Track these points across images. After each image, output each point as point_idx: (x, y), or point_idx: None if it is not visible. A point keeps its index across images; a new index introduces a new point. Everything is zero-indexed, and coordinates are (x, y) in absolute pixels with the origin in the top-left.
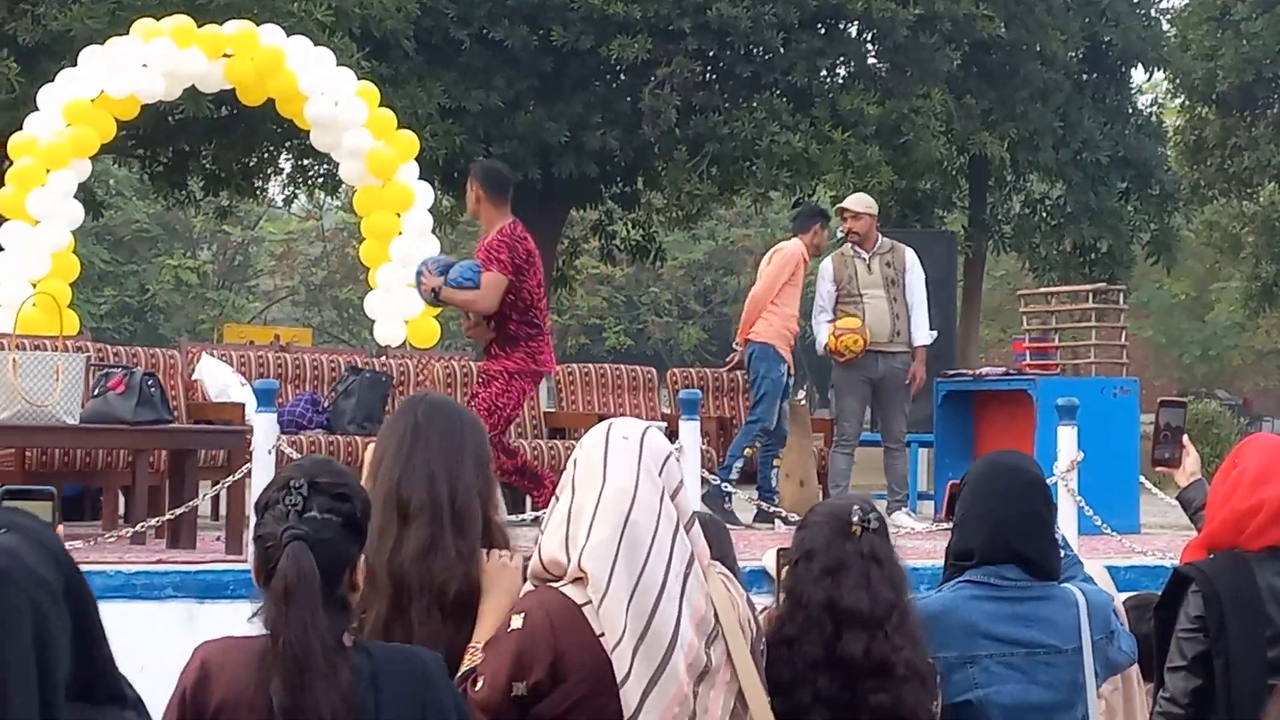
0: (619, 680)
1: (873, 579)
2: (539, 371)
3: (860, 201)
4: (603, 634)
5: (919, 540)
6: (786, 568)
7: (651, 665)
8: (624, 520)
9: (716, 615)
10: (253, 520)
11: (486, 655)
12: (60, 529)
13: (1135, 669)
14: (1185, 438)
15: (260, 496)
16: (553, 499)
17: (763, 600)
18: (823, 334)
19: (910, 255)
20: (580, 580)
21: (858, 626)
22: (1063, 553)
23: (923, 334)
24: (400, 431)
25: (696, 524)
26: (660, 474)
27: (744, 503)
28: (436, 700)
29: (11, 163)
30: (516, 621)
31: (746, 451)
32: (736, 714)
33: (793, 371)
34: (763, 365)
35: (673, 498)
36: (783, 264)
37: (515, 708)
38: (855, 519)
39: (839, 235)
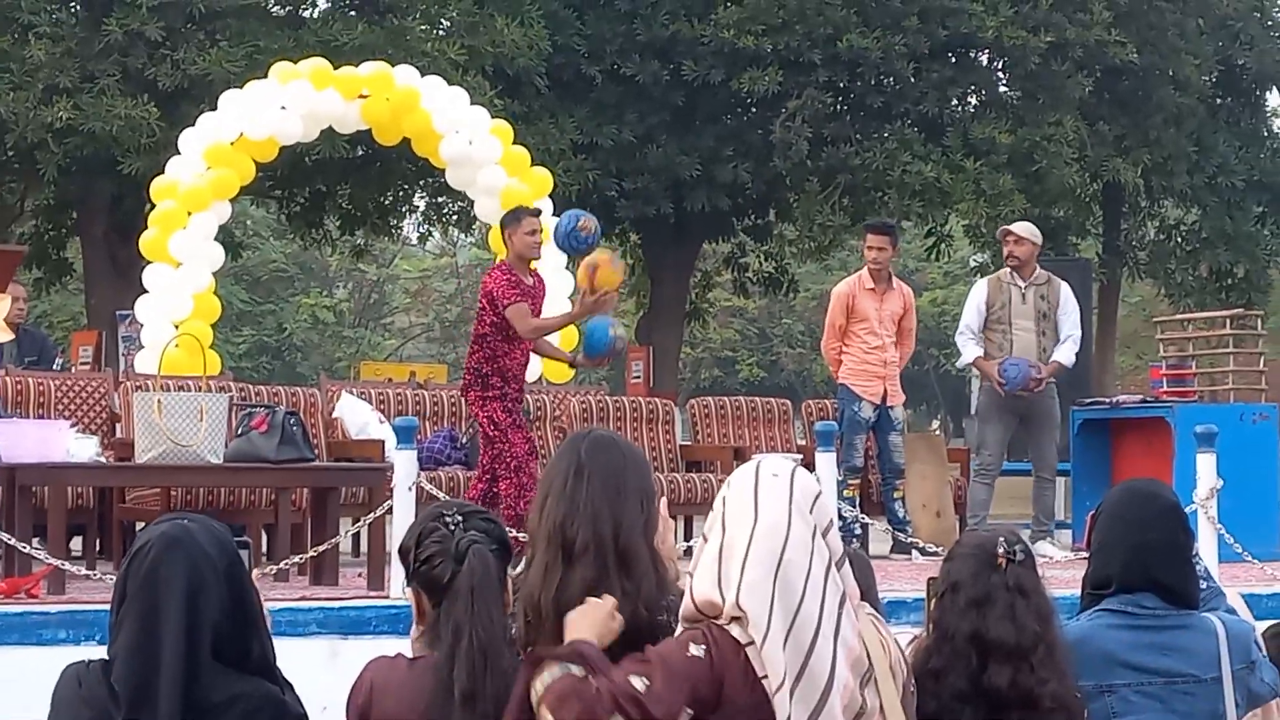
0: None
1: (1018, 611)
2: None
3: (1025, 227)
4: (764, 676)
5: (1057, 570)
6: (934, 599)
7: (809, 708)
8: (778, 559)
9: (869, 656)
10: (395, 559)
11: (656, 667)
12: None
13: (1277, 700)
14: None
15: (408, 535)
16: (700, 539)
17: (907, 630)
18: (970, 355)
19: (1066, 290)
20: (738, 620)
21: (1003, 658)
22: (1204, 584)
23: (1065, 355)
24: (564, 470)
25: (847, 563)
26: (811, 512)
27: (880, 534)
28: None
29: (154, 206)
30: (696, 650)
31: (846, 493)
32: None
33: (889, 403)
34: (841, 405)
35: (824, 536)
36: (833, 311)
37: None
38: (1000, 551)
39: (969, 261)
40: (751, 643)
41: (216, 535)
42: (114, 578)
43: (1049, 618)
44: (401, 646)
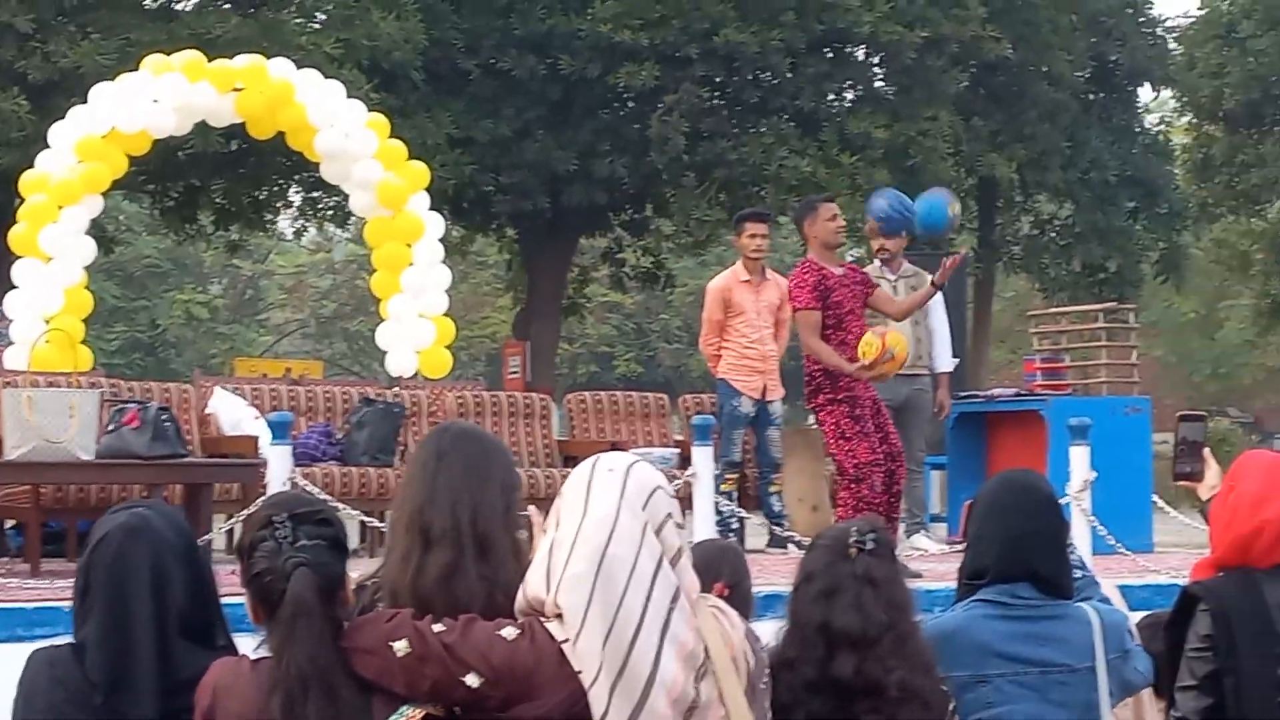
0: (596, 719)
1: (865, 600)
2: None
3: None
4: (580, 671)
5: (933, 563)
6: (791, 590)
7: (630, 702)
8: (601, 553)
9: (707, 650)
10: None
11: (463, 633)
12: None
13: (1148, 687)
14: (1206, 451)
15: (241, 539)
16: (540, 533)
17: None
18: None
19: None
20: (559, 616)
21: (849, 647)
22: (1079, 573)
23: (946, 360)
24: (425, 458)
25: (685, 558)
26: (644, 507)
27: (756, 528)
28: None
29: (24, 200)
30: (507, 633)
31: (724, 487)
32: None
33: (768, 397)
34: (720, 400)
35: (657, 532)
36: (710, 306)
37: (458, 691)
38: (852, 540)
39: (845, 256)
40: (567, 640)
41: (173, 521)
42: None
43: (902, 607)
44: None
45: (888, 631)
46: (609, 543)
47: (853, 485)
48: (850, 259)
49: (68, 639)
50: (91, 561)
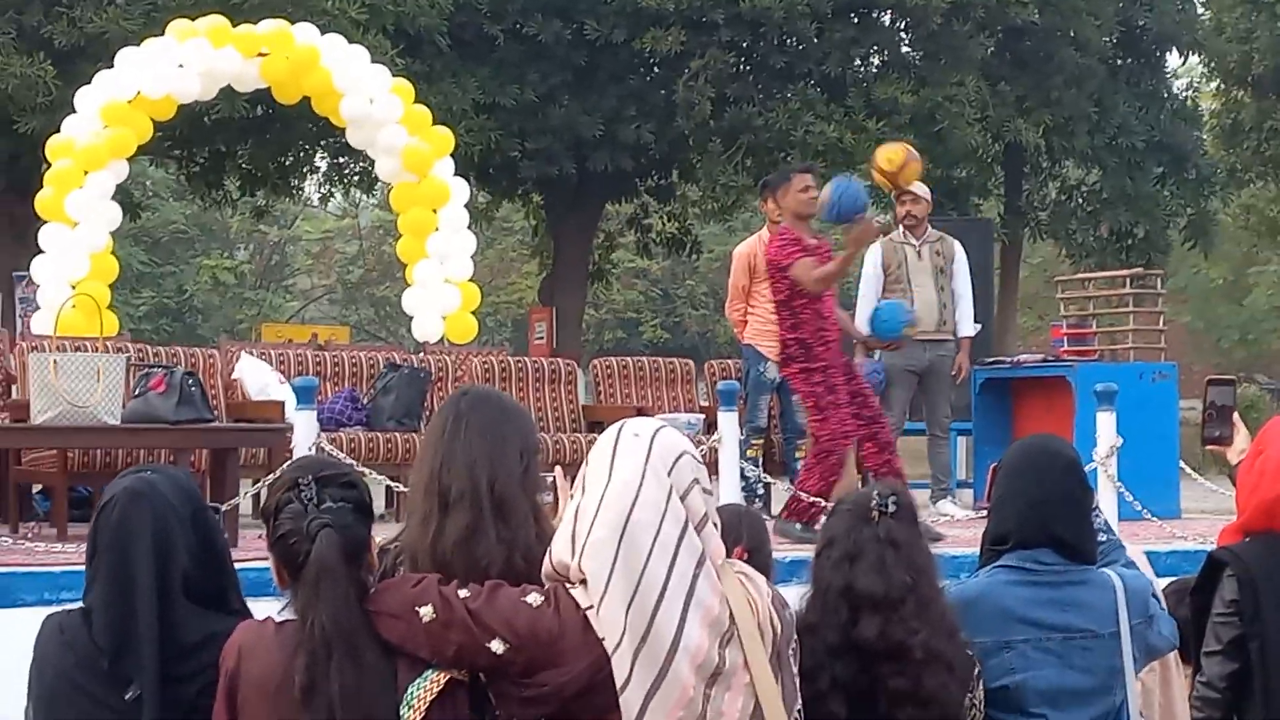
0: (619, 685)
1: (888, 563)
2: None
3: (921, 186)
4: (604, 637)
5: (959, 529)
6: (814, 556)
7: (653, 669)
8: (625, 518)
9: (733, 616)
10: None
11: (488, 599)
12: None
13: (1173, 652)
14: (1235, 415)
15: (267, 502)
16: (566, 497)
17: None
18: (865, 314)
19: (958, 246)
20: (584, 583)
21: (872, 609)
22: (1104, 536)
23: (968, 325)
24: (442, 422)
25: (710, 524)
26: (669, 473)
27: (783, 493)
28: None
29: (50, 165)
30: (532, 599)
31: (749, 453)
32: (756, 716)
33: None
34: (746, 365)
35: (682, 498)
36: (736, 272)
37: (482, 657)
38: (873, 504)
39: (876, 220)
40: (591, 607)
41: (179, 484)
42: (9, 540)
43: (924, 570)
44: None
45: (910, 594)
46: (633, 508)
47: (820, 455)
48: (878, 224)
49: (79, 603)
50: (97, 526)
